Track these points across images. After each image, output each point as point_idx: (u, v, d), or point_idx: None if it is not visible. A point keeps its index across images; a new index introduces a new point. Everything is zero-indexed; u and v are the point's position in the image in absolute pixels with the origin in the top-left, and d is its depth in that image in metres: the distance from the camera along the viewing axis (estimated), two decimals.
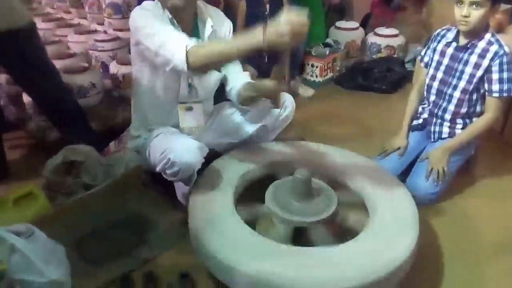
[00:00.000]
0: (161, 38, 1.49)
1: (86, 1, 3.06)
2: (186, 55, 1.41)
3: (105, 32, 2.92)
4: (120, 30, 2.97)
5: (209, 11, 1.76)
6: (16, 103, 2.43)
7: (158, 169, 1.64)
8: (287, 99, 1.91)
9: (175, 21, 1.61)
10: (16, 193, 1.70)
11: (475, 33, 1.85)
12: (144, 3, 1.66)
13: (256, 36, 1.30)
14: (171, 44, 1.47)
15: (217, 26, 1.75)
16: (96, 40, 2.78)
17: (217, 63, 1.50)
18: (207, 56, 1.42)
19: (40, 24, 3.24)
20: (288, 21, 1.27)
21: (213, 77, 1.84)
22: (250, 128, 1.88)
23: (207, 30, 1.70)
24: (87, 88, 2.51)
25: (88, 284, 1.46)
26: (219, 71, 1.74)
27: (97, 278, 1.50)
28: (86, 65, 2.59)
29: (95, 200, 1.79)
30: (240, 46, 1.36)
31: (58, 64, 2.57)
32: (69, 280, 1.32)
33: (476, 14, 1.77)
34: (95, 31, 3.02)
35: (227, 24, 1.81)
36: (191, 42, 1.45)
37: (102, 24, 3.07)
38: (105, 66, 2.75)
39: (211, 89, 1.87)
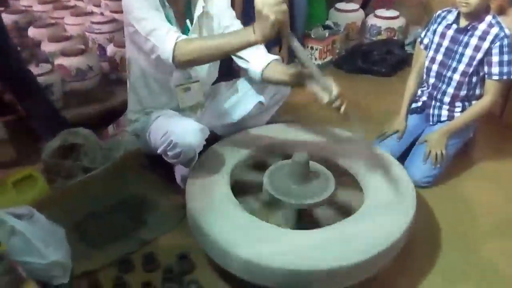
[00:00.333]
0: (151, 24, 1.49)
1: None
2: (174, 48, 1.43)
3: (101, 14, 2.89)
4: (117, 12, 2.93)
5: None
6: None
7: (159, 151, 1.64)
8: None
9: (165, 1, 1.59)
10: (15, 176, 1.71)
11: (476, 15, 1.83)
12: None
13: (249, 35, 1.33)
14: (161, 32, 1.47)
15: (209, 4, 1.71)
16: (93, 22, 2.75)
17: (205, 59, 1.53)
18: (195, 51, 1.44)
19: (37, 6, 3.21)
20: (269, 10, 1.27)
21: None
22: (247, 106, 1.87)
23: (198, 10, 1.67)
24: (84, 71, 2.49)
25: (88, 266, 1.48)
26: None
27: (97, 260, 1.51)
28: (83, 47, 2.57)
29: (94, 183, 1.81)
30: (234, 45, 1.39)
31: (55, 47, 2.56)
32: (69, 262, 1.34)
33: None
34: (92, 13, 2.98)
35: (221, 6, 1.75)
36: (181, 35, 1.45)
37: (98, 6, 3.04)
38: (102, 49, 2.72)
39: (206, 69, 1.83)
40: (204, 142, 1.65)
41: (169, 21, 1.59)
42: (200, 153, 1.70)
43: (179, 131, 1.55)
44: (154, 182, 1.88)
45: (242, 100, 1.88)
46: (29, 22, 2.92)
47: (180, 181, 1.83)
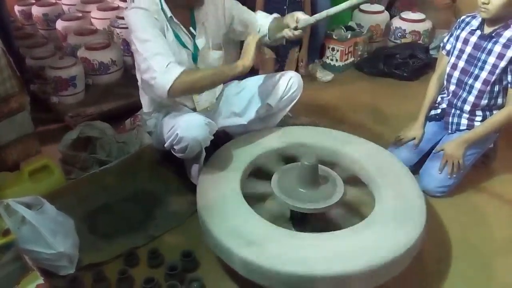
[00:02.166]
0: (155, 48, 1.53)
1: None
2: (173, 82, 1.50)
3: (127, 9, 2.93)
4: None
5: None
6: (38, 77, 2.48)
7: (166, 145, 1.66)
8: (293, 78, 1.90)
9: (171, 14, 1.64)
10: (32, 165, 1.77)
11: (500, 21, 1.77)
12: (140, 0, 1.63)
13: (237, 68, 1.58)
14: (163, 61, 1.52)
15: (210, 13, 1.76)
16: (118, 17, 2.79)
17: (196, 92, 1.69)
18: (190, 88, 1.58)
19: (66, 0, 3.29)
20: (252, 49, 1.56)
21: (215, 56, 1.84)
22: (255, 107, 1.87)
23: (202, 17, 1.73)
24: (107, 65, 2.55)
25: (95, 257, 1.52)
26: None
27: (104, 252, 1.55)
28: (108, 41, 2.62)
29: (108, 176, 1.85)
30: (224, 78, 1.63)
31: (80, 40, 2.63)
32: (76, 253, 1.38)
33: (496, 1, 1.69)
34: (118, 8, 3.04)
35: (221, 5, 1.80)
36: (180, 69, 1.51)
37: (125, 1, 3.08)
38: (126, 44, 2.77)
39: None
40: (212, 137, 1.67)
41: (177, 35, 1.67)
42: (213, 151, 1.72)
43: (185, 125, 1.58)
44: (166, 178, 1.91)
45: (252, 102, 1.88)
46: (58, 15, 3.01)
47: (192, 177, 1.85)
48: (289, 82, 1.87)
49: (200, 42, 1.75)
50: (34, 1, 3.16)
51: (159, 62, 1.52)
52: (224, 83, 1.61)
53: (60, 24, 2.88)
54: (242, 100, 1.88)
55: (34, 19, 3.07)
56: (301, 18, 1.67)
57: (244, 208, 1.47)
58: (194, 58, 1.76)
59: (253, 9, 2.47)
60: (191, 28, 1.73)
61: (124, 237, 1.62)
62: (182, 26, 1.69)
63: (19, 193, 1.57)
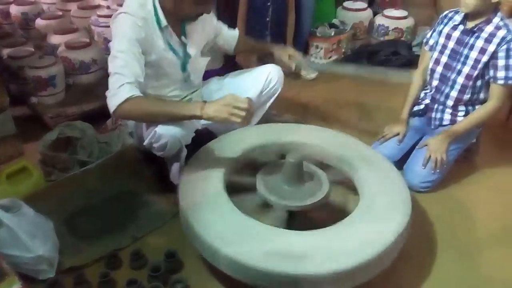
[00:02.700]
0: (118, 66, 1.51)
1: None
2: (120, 104, 1.45)
3: (108, 7, 2.89)
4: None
5: None
6: (17, 77, 2.43)
7: (145, 143, 1.64)
8: (272, 71, 1.90)
9: (167, 23, 1.64)
10: (10, 167, 1.72)
11: (482, 16, 1.78)
12: (128, 4, 1.63)
13: (195, 110, 1.45)
14: (120, 80, 1.48)
15: (200, 26, 1.79)
16: (99, 16, 2.75)
17: (143, 121, 1.64)
18: (139, 114, 1.51)
19: None
20: (228, 103, 1.41)
21: (203, 62, 1.90)
22: None
23: (195, 29, 1.78)
24: (88, 64, 2.50)
25: (76, 260, 1.48)
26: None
27: (86, 254, 1.51)
28: (88, 40, 2.58)
29: (90, 176, 1.82)
30: (178, 115, 1.49)
31: (61, 39, 2.57)
32: (56, 256, 1.34)
33: None
34: (99, 6, 2.99)
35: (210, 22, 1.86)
36: (134, 94, 1.47)
37: None
38: (107, 42, 2.72)
39: (202, 72, 1.92)
40: (193, 134, 1.66)
41: (169, 43, 1.68)
42: (195, 150, 1.70)
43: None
44: (148, 178, 1.88)
45: None
46: (37, 14, 2.94)
47: (173, 177, 1.82)
48: (268, 75, 1.87)
49: (192, 50, 1.78)
50: (12, 0, 3.08)
51: (115, 81, 1.49)
52: (179, 120, 1.53)
53: (39, 23, 2.83)
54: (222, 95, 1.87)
55: (12, 18, 3.00)
56: (296, 56, 1.92)
57: (228, 206, 1.44)
58: (183, 65, 1.78)
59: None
60: (182, 38, 1.74)
61: (106, 238, 1.58)
62: (175, 35, 1.70)
63: None
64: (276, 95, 1.95)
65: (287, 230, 1.42)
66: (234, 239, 1.32)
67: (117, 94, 1.46)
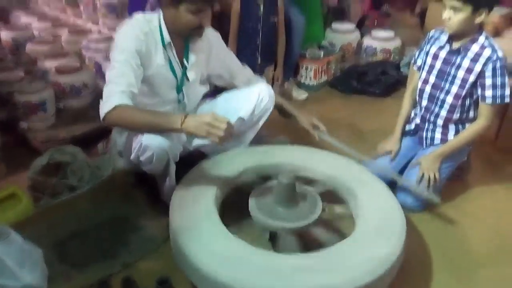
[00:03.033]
0: (113, 76, 1.57)
1: (81, 0, 3.05)
2: (109, 111, 1.50)
3: (99, 32, 2.92)
4: (114, 29, 2.94)
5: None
6: (6, 102, 2.41)
7: (132, 157, 1.63)
8: (264, 90, 1.91)
9: (170, 40, 1.69)
10: None
11: (466, 36, 1.81)
12: (137, 16, 1.70)
13: (176, 123, 1.47)
14: (112, 89, 1.54)
15: (205, 50, 1.85)
16: (90, 40, 2.77)
17: (129, 129, 1.66)
18: (125, 122, 1.54)
19: (36, 24, 3.25)
20: (208, 122, 1.43)
21: (201, 90, 1.93)
22: None
23: (197, 52, 1.81)
24: (79, 88, 2.50)
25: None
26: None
27: (75, 281, 1.47)
28: (78, 65, 2.58)
29: (80, 201, 1.79)
30: (158, 126, 1.51)
31: (51, 63, 2.58)
32: (44, 285, 1.31)
33: (455, 18, 1.73)
34: (90, 31, 3.01)
35: (210, 38, 1.87)
36: (115, 101, 1.50)
37: (97, 23, 3.06)
38: (98, 66, 2.74)
39: (198, 99, 1.96)
40: (181, 149, 1.67)
41: (169, 60, 1.73)
42: (187, 171, 1.68)
43: (150, 135, 1.56)
44: (140, 202, 1.85)
45: None
46: (28, 39, 2.95)
47: (164, 195, 1.79)
48: (260, 94, 1.88)
49: (191, 74, 1.81)
50: (2, 26, 3.10)
51: (108, 90, 1.54)
52: (161, 132, 1.54)
53: (30, 48, 2.83)
54: None
55: (3, 44, 3.00)
56: (320, 127, 2.02)
57: (220, 229, 1.42)
58: (179, 86, 1.80)
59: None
60: (184, 60, 1.77)
61: (96, 265, 1.54)
62: (175, 54, 1.73)
63: None
64: (268, 114, 1.95)
65: (280, 253, 1.40)
66: (226, 264, 1.30)
67: (108, 102, 1.51)
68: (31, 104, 2.28)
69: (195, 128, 1.45)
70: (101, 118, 1.54)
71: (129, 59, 1.58)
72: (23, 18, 3.41)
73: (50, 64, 2.59)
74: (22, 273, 1.25)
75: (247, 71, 2.05)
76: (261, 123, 1.96)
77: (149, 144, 1.54)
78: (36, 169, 1.89)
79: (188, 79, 1.82)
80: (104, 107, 1.52)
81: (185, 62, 1.78)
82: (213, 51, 1.90)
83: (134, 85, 1.57)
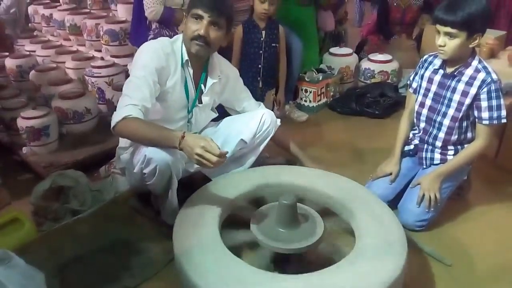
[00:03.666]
0: (130, 89, 1.64)
1: (84, 28, 3.12)
2: (119, 121, 1.57)
3: (102, 58, 2.97)
4: (117, 56, 3.01)
5: (219, 60, 1.93)
6: (10, 128, 2.45)
7: (135, 170, 1.66)
8: (266, 114, 1.95)
9: (189, 62, 1.76)
10: (1, 218, 1.70)
11: (460, 61, 1.85)
12: (161, 38, 1.81)
13: (174, 140, 1.51)
14: (126, 101, 1.61)
15: (222, 78, 1.93)
16: (93, 66, 2.82)
17: (134, 141, 1.71)
18: (130, 133, 1.61)
19: (40, 51, 3.31)
20: (201, 153, 1.45)
21: (210, 115, 1.99)
22: (231, 145, 1.91)
23: (213, 78, 1.87)
24: (82, 114, 2.53)
25: None
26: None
27: None
28: (82, 90, 2.62)
29: (82, 226, 1.79)
30: (159, 142, 1.57)
31: (54, 90, 2.62)
32: None
33: (451, 44, 1.76)
34: (93, 58, 3.07)
35: (229, 74, 1.98)
36: (125, 112, 1.57)
37: (100, 50, 3.12)
38: (101, 92, 2.78)
39: (205, 123, 2.02)
40: (183, 165, 1.71)
41: (186, 80, 1.78)
42: (191, 193, 1.70)
43: (154, 149, 1.59)
44: (142, 225, 1.85)
45: (226, 141, 1.91)
46: (32, 67, 3.01)
47: (165, 215, 1.80)
48: (262, 117, 1.92)
49: (206, 99, 1.88)
50: (7, 54, 3.16)
51: (123, 101, 1.62)
52: (162, 147, 1.58)
53: (33, 75, 2.88)
54: (218, 140, 1.90)
55: (7, 71, 3.06)
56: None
57: (224, 253, 1.42)
58: (189, 109, 1.85)
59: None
60: (201, 85, 1.84)
61: None
62: (191, 75, 1.80)
63: None
64: (269, 138, 1.98)
65: (284, 275, 1.40)
66: (229, 285, 1.29)
67: (119, 113, 1.58)
68: (34, 130, 2.31)
69: (188, 153, 1.50)
70: (111, 128, 1.60)
71: (147, 76, 1.65)
72: (27, 46, 3.48)
73: (53, 90, 2.63)
74: None
75: (257, 105, 2.11)
76: (262, 146, 1.99)
77: (153, 157, 1.57)
78: (38, 194, 1.90)
79: (201, 102, 1.86)
80: (115, 118, 1.58)
81: (201, 85, 1.84)
82: (229, 84, 1.97)
83: (148, 100, 1.63)
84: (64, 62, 3.06)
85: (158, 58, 1.69)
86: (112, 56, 3.03)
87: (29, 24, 3.96)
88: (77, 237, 1.74)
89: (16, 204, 2.03)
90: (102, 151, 2.38)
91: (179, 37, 1.79)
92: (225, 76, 1.95)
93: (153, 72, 1.66)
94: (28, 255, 1.49)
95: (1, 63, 3.10)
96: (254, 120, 1.92)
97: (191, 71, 1.79)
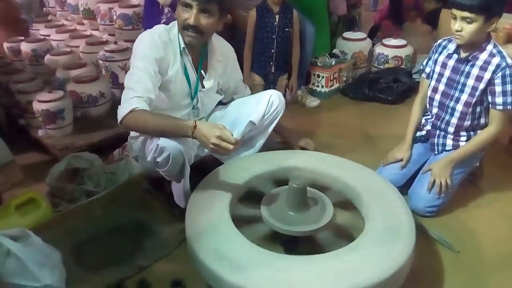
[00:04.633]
0: (133, 81, 1.64)
1: (98, 12, 3.13)
2: (126, 115, 1.57)
3: (115, 42, 2.99)
4: (130, 41, 3.02)
5: (218, 42, 1.92)
6: (26, 111, 2.49)
7: (149, 159, 1.67)
8: (273, 95, 1.95)
9: (187, 50, 1.76)
10: (18, 199, 1.75)
11: (475, 45, 1.82)
12: (158, 26, 1.78)
13: (187, 129, 1.52)
14: (131, 94, 1.61)
15: (222, 62, 1.93)
16: (106, 51, 2.84)
17: (144, 133, 1.72)
18: (139, 126, 1.62)
19: (55, 35, 3.34)
20: (217, 142, 1.47)
21: (216, 98, 2.00)
22: (240, 128, 1.92)
23: (213, 64, 1.89)
24: (96, 97, 2.57)
25: None
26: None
27: (91, 284, 1.52)
28: (96, 74, 2.66)
29: (96, 207, 1.83)
30: (170, 132, 1.57)
31: (69, 74, 2.66)
32: (63, 286, 1.35)
33: (468, 28, 1.74)
34: (106, 42, 3.09)
35: (229, 54, 1.98)
36: (133, 105, 1.57)
37: (113, 35, 3.14)
38: (114, 76, 2.81)
39: (212, 106, 2.03)
40: (195, 151, 1.73)
41: (185, 67, 1.79)
42: (202, 176, 1.73)
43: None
44: (155, 207, 1.89)
45: (235, 123, 1.92)
46: (47, 51, 3.04)
47: (177, 198, 1.82)
48: (270, 98, 1.93)
49: (209, 83, 1.88)
50: (22, 38, 3.20)
51: (126, 94, 1.62)
52: (173, 137, 1.59)
53: (48, 59, 2.91)
54: (227, 122, 1.91)
55: (23, 55, 3.10)
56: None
57: (233, 233, 1.45)
58: (193, 93, 1.86)
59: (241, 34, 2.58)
60: (201, 71, 1.85)
61: (112, 268, 1.59)
62: (191, 61, 1.80)
63: (5, 227, 1.53)
64: (277, 119, 1.99)
65: (293, 256, 1.42)
66: (240, 266, 1.32)
67: (125, 106, 1.58)
68: (49, 113, 2.35)
69: (203, 143, 1.52)
70: (118, 122, 1.61)
71: (148, 66, 1.65)
72: (42, 30, 3.51)
73: (67, 74, 2.66)
74: (42, 275, 1.30)
75: (247, 91, 2.14)
76: (271, 128, 2.00)
77: (166, 145, 1.58)
78: (54, 175, 1.94)
79: (204, 87, 1.87)
80: (121, 111, 1.58)
81: (201, 71, 1.84)
82: (229, 64, 1.97)
83: (151, 91, 1.64)
84: (78, 46, 3.08)
85: (157, 48, 1.69)
86: (126, 41, 3.04)
87: (44, 9, 3.98)
88: (92, 217, 1.78)
89: (33, 185, 2.08)
90: (116, 134, 2.41)
91: (174, 24, 1.78)
92: (226, 58, 1.95)
93: (153, 62, 1.66)
94: (45, 234, 1.54)
95: (17, 47, 3.14)
96: (262, 101, 1.93)
97: (190, 58, 1.79)
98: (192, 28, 1.69)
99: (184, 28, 1.71)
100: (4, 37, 3.19)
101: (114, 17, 2.99)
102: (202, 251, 1.39)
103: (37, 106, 2.37)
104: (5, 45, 3.22)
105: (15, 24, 3.30)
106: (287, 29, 2.65)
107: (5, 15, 3.02)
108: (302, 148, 2.13)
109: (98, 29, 3.30)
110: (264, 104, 1.92)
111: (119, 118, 1.60)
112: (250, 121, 1.90)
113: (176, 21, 1.78)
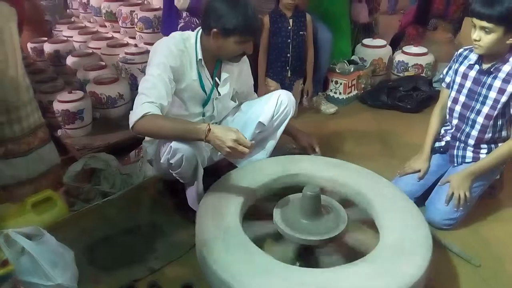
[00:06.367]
0: (146, 87, 1.64)
1: (120, 15, 3.18)
2: (138, 120, 1.57)
3: (135, 45, 3.02)
4: (150, 44, 3.05)
5: None
6: (47, 111, 2.54)
7: (162, 160, 1.68)
8: (282, 95, 1.94)
9: (203, 62, 1.77)
10: (35, 197, 1.77)
11: (497, 56, 1.77)
12: (174, 34, 1.79)
13: (200, 133, 1.52)
14: (142, 99, 1.61)
15: (236, 69, 1.93)
16: (127, 53, 2.87)
17: (157, 137, 1.73)
18: (152, 130, 1.62)
19: (77, 37, 3.40)
20: (233, 146, 1.47)
21: (231, 107, 2.00)
22: (250, 129, 1.92)
23: (225, 74, 1.88)
24: (115, 99, 2.60)
25: None
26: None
27: (103, 284, 1.53)
28: (116, 76, 2.69)
29: (111, 207, 1.85)
30: (183, 136, 1.58)
31: (89, 75, 2.70)
32: (74, 286, 1.36)
33: (486, 39, 1.69)
34: (127, 44, 3.13)
35: (242, 62, 1.93)
36: (144, 110, 1.57)
37: (134, 37, 3.18)
38: (134, 78, 2.84)
39: (227, 112, 2.03)
40: (208, 154, 1.72)
41: (200, 77, 1.79)
42: (215, 179, 1.73)
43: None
44: (168, 210, 1.90)
45: (245, 125, 1.93)
46: (69, 52, 3.10)
47: (191, 202, 1.82)
48: (278, 98, 1.92)
49: (224, 89, 1.89)
50: (45, 39, 3.27)
51: (139, 99, 1.62)
52: (187, 141, 1.60)
53: (70, 60, 2.97)
54: (238, 125, 1.91)
55: (45, 56, 3.16)
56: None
57: (245, 242, 1.44)
58: (206, 102, 1.86)
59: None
60: (216, 78, 1.85)
61: (124, 269, 1.60)
62: (207, 71, 1.81)
63: (21, 224, 1.56)
64: (288, 119, 1.98)
65: (304, 268, 1.40)
66: (250, 276, 1.31)
67: (137, 111, 1.58)
68: (69, 113, 2.39)
69: (218, 147, 1.52)
70: (130, 127, 1.60)
71: (162, 74, 1.65)
72: (65, 32, 3.58)
73: (88, 76, 2.71)
74: (55, 273, 1.31)
75: (255, 96, 2.14)
76: (281, 129, 1.99)
77: (179, 147, 1.59)
78: (71, 175, 1.97)
79: (219, 94, 1.87)
80: (133, 116, 1.58)
81: (216, 78, 1.85)
82: (244, 68, 1.98)
83: (164, 98, 1.64)
84: (99, 48, 3.13)
85: (173, 57, 1.70)
86: (146, 44, 3.07)
87: (67, 10, 4.07)
88: (106, 218, 1.80)
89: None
90: (133, 136, 2.41)
91: (191, 35, 1.78)
92: (240, 63, 1.93)
93: (168, 69, 1.67)
94: (59, 233, 1.56)
95: (40, 48, 3.21)
96: (271, 102, 1.92)
97: (205, 68, 1.80)
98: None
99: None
100: (28, 37, 3.27)
101: (135, 20, 3.03)
102: (213, 261, 1.38)
103: (57, 106, 2.41)
104: (29, 45, 3.29)
105: (39, 25, 3.38)
106: (301, 33, 2.65)
107: (29, 16, 3.08)
108: (305, 149, 2.09)
109: (119, 32, 3.35)
110: (273, 105, 1.92)
111: (131, 123, 1.59)
112: (260, 122, 1.89)
113: (191, 33, 1.79)
